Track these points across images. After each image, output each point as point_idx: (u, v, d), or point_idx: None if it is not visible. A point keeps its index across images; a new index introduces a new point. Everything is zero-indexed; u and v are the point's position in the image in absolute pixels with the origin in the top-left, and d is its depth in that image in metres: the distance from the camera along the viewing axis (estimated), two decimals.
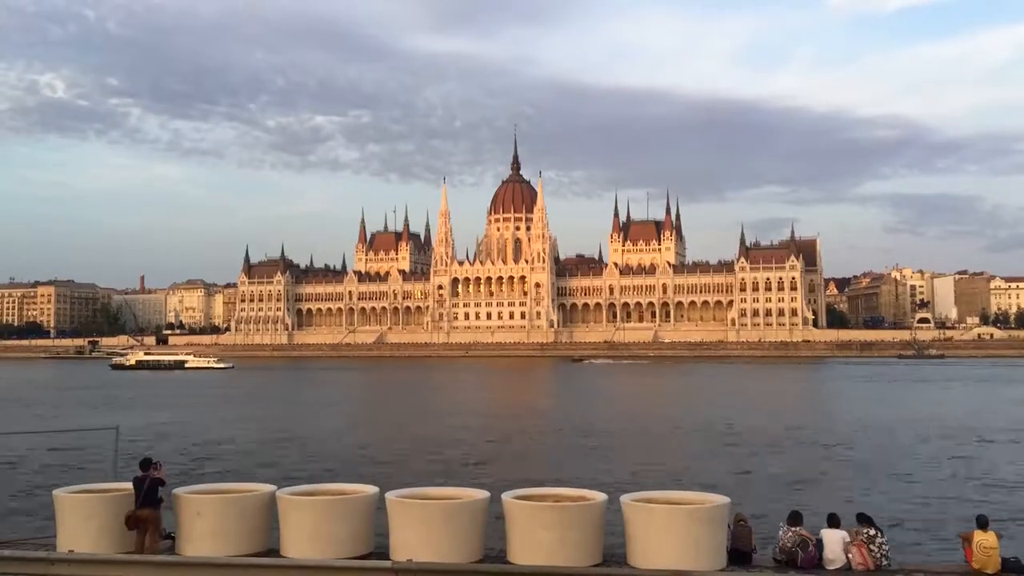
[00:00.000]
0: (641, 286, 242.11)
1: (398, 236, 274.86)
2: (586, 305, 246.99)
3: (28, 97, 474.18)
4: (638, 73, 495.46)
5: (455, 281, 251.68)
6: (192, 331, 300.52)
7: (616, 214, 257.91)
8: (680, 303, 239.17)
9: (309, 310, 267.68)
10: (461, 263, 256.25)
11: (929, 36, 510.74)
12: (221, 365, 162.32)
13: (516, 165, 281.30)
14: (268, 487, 14.90)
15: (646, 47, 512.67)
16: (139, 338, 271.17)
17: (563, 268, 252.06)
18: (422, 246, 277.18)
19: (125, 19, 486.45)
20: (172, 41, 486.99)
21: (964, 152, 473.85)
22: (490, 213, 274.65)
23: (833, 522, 14.48)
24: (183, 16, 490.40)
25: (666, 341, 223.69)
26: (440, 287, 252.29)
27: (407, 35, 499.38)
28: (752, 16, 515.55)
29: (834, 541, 14.10)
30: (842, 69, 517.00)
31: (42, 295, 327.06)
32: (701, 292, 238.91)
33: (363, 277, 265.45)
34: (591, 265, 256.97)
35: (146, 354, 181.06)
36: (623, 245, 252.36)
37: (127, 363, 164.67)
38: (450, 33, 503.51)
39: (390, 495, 13.79)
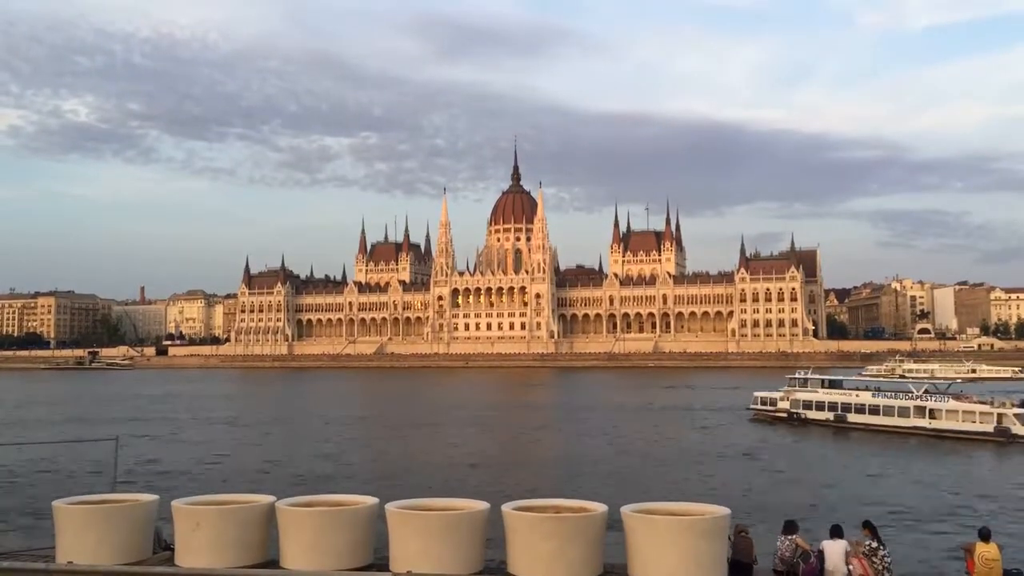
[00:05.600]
0: (641, 297, 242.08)
1: (398, 247, 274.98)
2: (586, 316, 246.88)
3: (51, 120, 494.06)
4: (632, 98, 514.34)
5: (455, 292, 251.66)
6: (192, 342, 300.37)
7: (616, 225, 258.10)
8: (680, 314, 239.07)
9: (309, 320, 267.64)
10: (461, 274, 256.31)
11: (945, 56, 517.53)
12: None
13: (516, 176, 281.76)
14: (267, 498, 14.86)
15: (640, 75, 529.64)
16: (139, 349, 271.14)
17: (563, 279, 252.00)
18: (422, 257, 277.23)
19: (150, 52, 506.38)
20: (192, 71, 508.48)
21: (949, 169, 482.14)
22: (490, 224, 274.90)
23: (836, 533, 14.42)
24: (204, 50, 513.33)
25: (666, 352, 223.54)
26: (440, 298, 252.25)
27: (414, 66, 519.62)
28: (748, 43, 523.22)
29: (835, 553, 14.04)
30: (845, 91, 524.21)
31: (42, 306, 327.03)
32: (701, 303, 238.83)
33: (363, 288, 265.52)
34: (591, 276, 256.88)
35: None
36: (623, 256, 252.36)
37: None
38: (454, 64, 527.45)
39: (390, 506, 13.75)
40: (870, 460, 49.97)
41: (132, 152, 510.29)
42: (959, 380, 79.39)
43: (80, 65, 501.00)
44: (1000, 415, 58.34)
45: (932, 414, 61.32)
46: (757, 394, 75.54)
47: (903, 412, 62.66)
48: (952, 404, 61.59)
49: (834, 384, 73.13)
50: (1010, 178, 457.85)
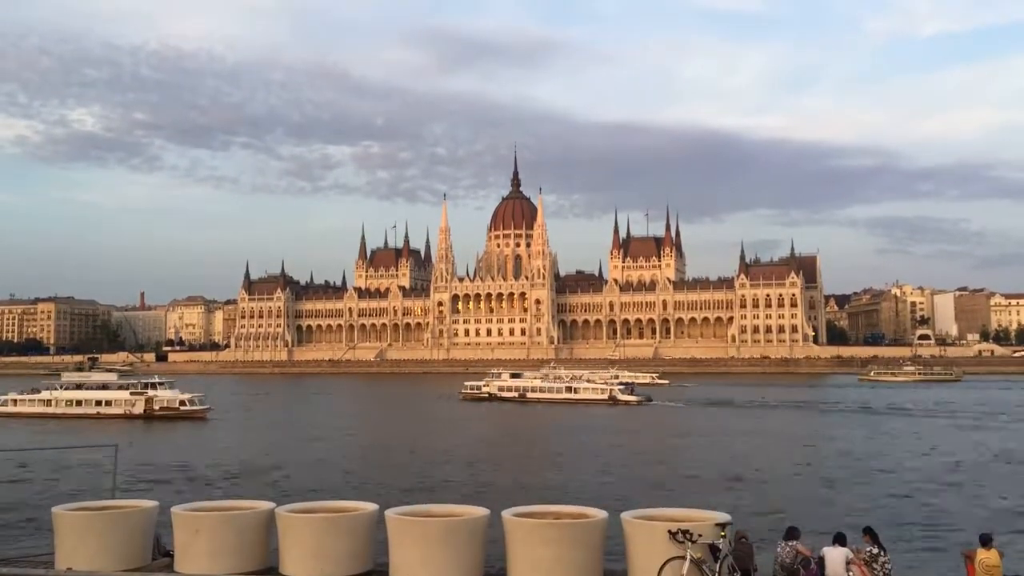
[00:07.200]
0: (641, 303, 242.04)
1: (398, 253, 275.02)
2: (586, 322, 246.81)
3: (57, 129, 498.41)
4: (633, 106, 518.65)
5: (455, 297, 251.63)
6: (192, 348, 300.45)
7: (616, 231, 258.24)
8: (680, 320, 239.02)
9: (309, 327, 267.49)
10: (461, 279, 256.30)
11: (949, 62, 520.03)
12: None
13: (516, 182, 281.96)
14: (267, 504, 14.83)
15: (641, 82, 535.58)
16: (139, 355, 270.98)
17: (563, 285, 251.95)
18: (422, 263, 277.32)
19: (157, 64, 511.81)
20: (197, 82, 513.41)
21: (946, 176, 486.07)
22: (490, 229, 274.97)
23: (838, 540, 14.38)
24: (210, 61, 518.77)
25: (666, 358, 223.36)
26: (440, 303, 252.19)
27: (416, 77, 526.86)
28: (754, 49, 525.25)
29: (836, 560, 14.00)
30: (850, 97, 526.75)
31: (42, 312, 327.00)
32: (701, 309, 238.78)
33: (363, 293, 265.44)
34: (591, 282, 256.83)
35: None
36: (623, 261, 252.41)
37: None
38: (456, 75, 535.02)
39: (390, 512, 13.72)
40: (548, 414, 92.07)
41: (137, 160, 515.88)
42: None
43: (88, 76, 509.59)
44: (611, 389, 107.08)
45: (575, 391, 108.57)
46: (467, 383, 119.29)
47: (559, 390, 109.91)
48: (585, 384, 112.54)
49: (516, 375, 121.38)
50: (1007, 185, 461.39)
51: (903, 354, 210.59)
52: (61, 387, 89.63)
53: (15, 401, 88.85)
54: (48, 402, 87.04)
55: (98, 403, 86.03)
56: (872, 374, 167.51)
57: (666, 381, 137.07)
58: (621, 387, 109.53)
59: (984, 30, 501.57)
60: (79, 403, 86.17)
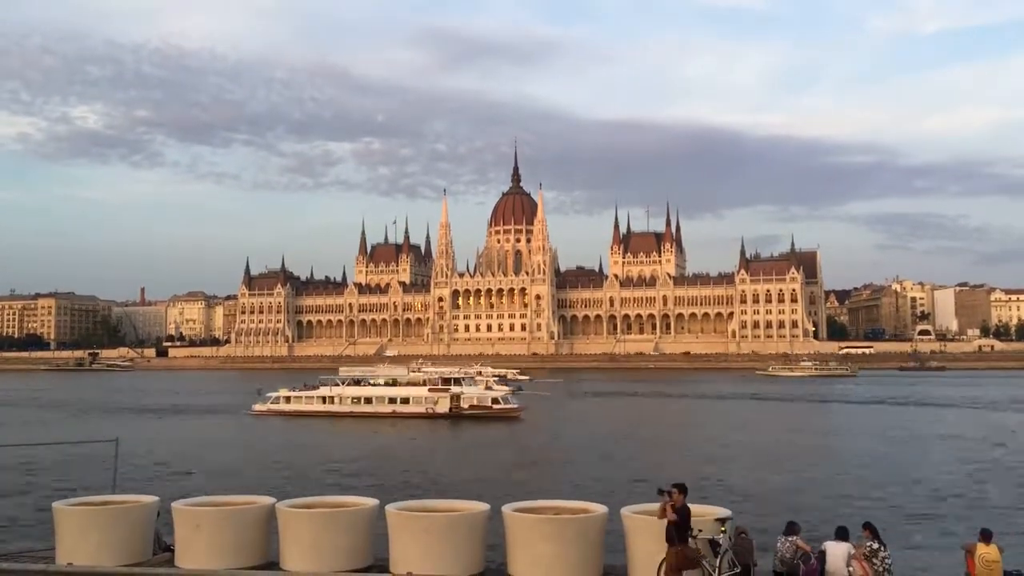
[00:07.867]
0: (641, 298, 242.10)
1: (398, 248, 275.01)
2: (587, 317, 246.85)
3: (60, 127, 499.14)
4: (633, 104, 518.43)
5: (455, 293, 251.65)
6: (192, 343, 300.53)
7: (616, 226, 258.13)
8: (680, 315, 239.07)
9: (309, 322, 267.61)
10: (462, 275, 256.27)
11: (951, 61, 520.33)
12: None
13: (517, 178, 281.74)
14: (267, 499, 14.85)
15: (642, 80, 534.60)
16: (139, 350, 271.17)
17: (563, 280, 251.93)
18: (423, 258, 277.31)
19: (159, 62, 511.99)
20: (199, 79, 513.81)
21: (946, 172, 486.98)
22: (491, 225, 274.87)
23: (841, 535, 14.37)
24: (212, 60, 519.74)
25: (666, 353, 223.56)
26: (440, 299, 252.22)
27: (417, 76, 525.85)
28: (756, 48, 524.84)
29: (837, 555, 13.99)
30: (852, 95, 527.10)
31: (43, 307, 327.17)
32: (702, 304, 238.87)
33: (363, 289, 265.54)
34: (591, 277, 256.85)
35: None
36: (623, 257, 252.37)
37: None
38: (455, 74, 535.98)
39: (390, 507, 13.74)
40: None
41: (139, 157, 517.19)
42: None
43: (90, 74, 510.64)
44: (487, 381, 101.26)
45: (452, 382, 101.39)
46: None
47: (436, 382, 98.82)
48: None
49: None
50: (1008, 182, 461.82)
51: (903, 349, 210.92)
52: (343, 383, 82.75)
53: (288, 398, 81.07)
54: (329, 399, 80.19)
55: (392, 400, 79.00)
56: (770, 369, 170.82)
57: (527, 377, 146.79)
58: (496, 379, 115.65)
59: (985, 29, 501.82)
60: (368, 400, 79.27)
